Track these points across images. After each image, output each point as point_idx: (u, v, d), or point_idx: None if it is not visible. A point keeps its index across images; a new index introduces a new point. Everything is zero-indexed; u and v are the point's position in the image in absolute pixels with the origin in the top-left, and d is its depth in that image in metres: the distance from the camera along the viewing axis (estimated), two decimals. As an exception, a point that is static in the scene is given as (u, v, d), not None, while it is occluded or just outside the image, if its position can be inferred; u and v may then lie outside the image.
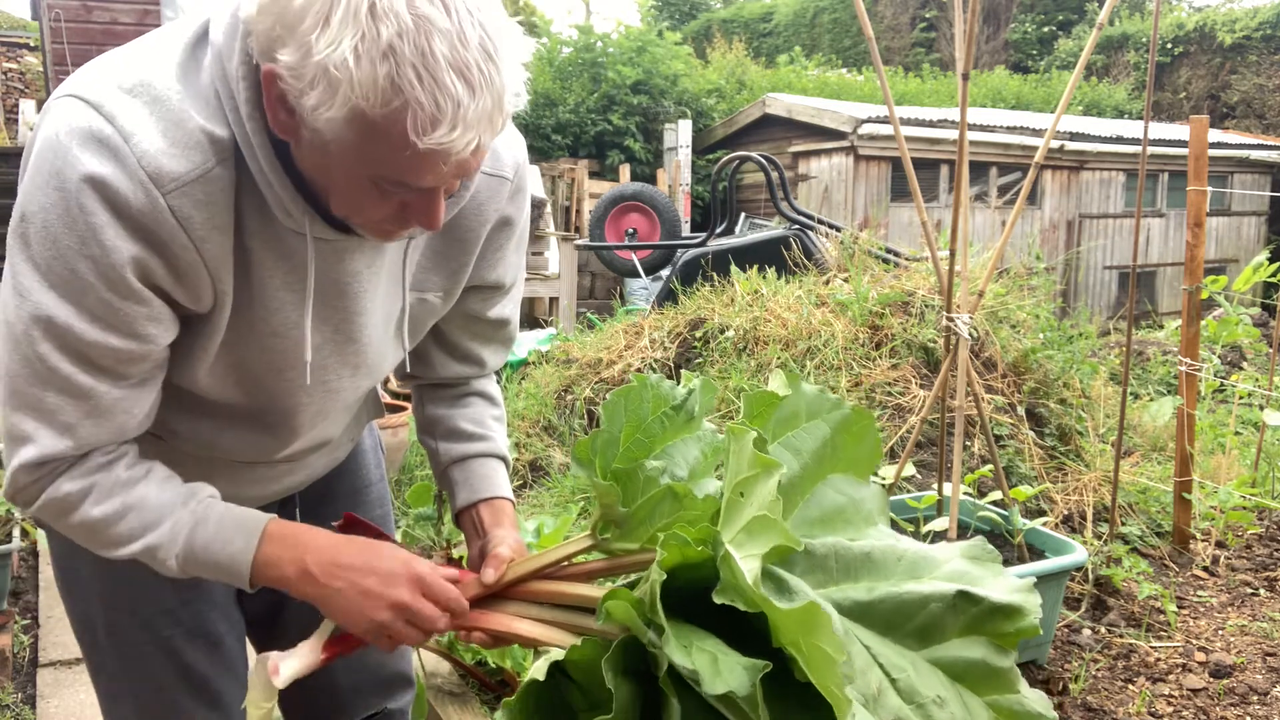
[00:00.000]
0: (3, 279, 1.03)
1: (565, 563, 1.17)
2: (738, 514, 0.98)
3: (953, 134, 10.41)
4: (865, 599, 1.06)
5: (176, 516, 1.10)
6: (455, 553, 1.22)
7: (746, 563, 0.92)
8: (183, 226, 0.99)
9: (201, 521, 1.11)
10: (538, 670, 1.00)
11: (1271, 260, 4.44)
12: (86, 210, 0.95)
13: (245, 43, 0.97)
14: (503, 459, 1.40)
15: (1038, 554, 2.60)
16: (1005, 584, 1.07)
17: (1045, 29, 18.68)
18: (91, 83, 1.00)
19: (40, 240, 0.97)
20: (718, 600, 0.95)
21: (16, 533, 3.29)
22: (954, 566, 1.09)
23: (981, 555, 1.11)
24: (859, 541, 1.11)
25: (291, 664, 1.08)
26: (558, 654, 1.03)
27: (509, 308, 1.36)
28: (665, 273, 7.27)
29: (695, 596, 0.96)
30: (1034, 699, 1.04)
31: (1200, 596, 2.87)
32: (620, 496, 1.12)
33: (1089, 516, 3.16)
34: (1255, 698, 2.34)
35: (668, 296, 5.55)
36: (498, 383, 1.47)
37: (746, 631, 0.96)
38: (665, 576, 0.94)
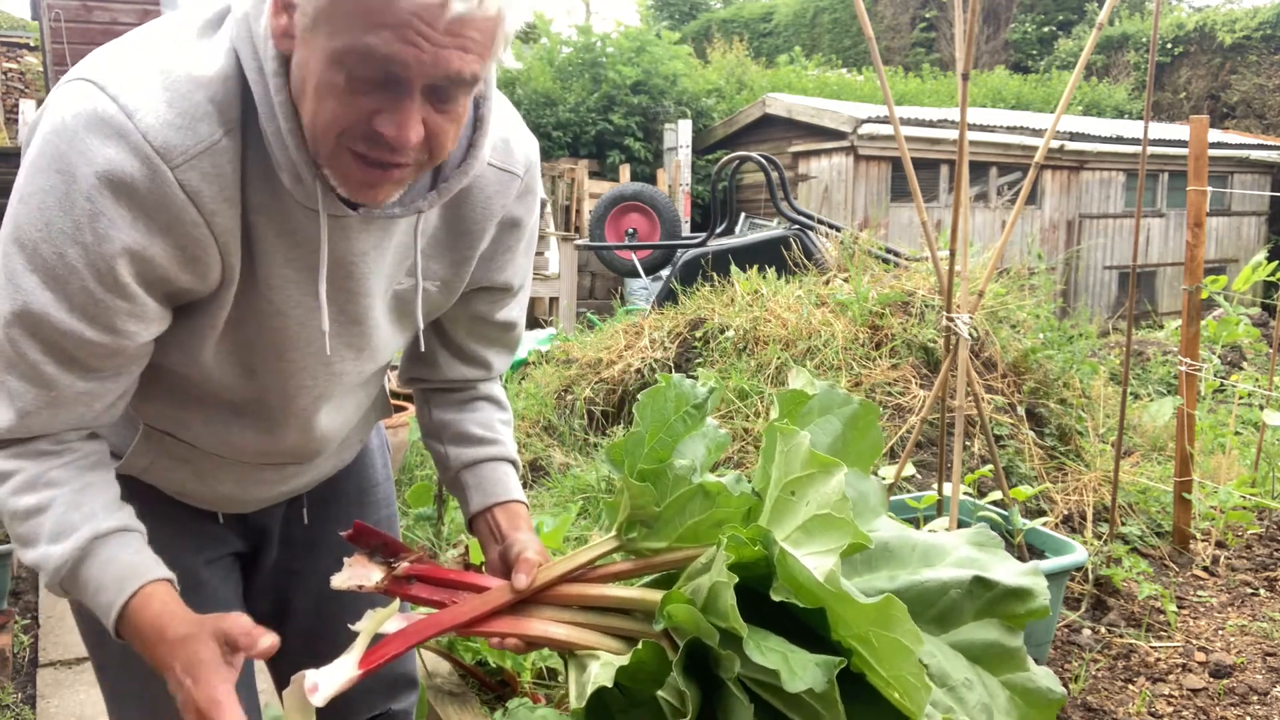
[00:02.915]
0: None
1: (592, 565, 1.17)
2: (790, 513, 1.00)
3: (953, 134, 10.41)
4: (890, 588, 1.09)
5: (69, 543, 1.06)
6: (456, 552, 1.21)
7: (813, 560, 0.93)
8: (192, 201, 0.98)
9: (89, 557, 1.06)
10: (603, 678, 1.00)
11: (1270, 259, 4.45)
12: (89, 197, 0.95)
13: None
14: (513, 463, 1.39)
15: (1038, 554, 2.61)
16: (1013, 568, 1.11)
17: (1045, 29, 18.68)
18: (96, 65, 0.99)
19: (33, 222, 0.96)
20: (776, 597, 0.96)
21: (17, 533, 3.29)
22: (962, 553, 1.13)
23: (986, 541, 1.14)
24: (876, 533, 1.14)
25: (330, 681, 1.05)
26: (612, 659, 1.04)
27: (516, 311, 1.35)
28: (665, 273, 7.27)
29: (734, 591, 0.98)
30: (1042, 675, 1.08)
31: (1200, 596, 2.87)
32: (654, 497, 1.12)
33: (1089, 516, 3.16)
34: (1255, 698, 2.34)
35: (668, 296, 5.55)
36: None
37: (785, 625, 0.98)
38: (736, 579, 0.94)
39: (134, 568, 1.08)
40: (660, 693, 1.00)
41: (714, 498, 1.11)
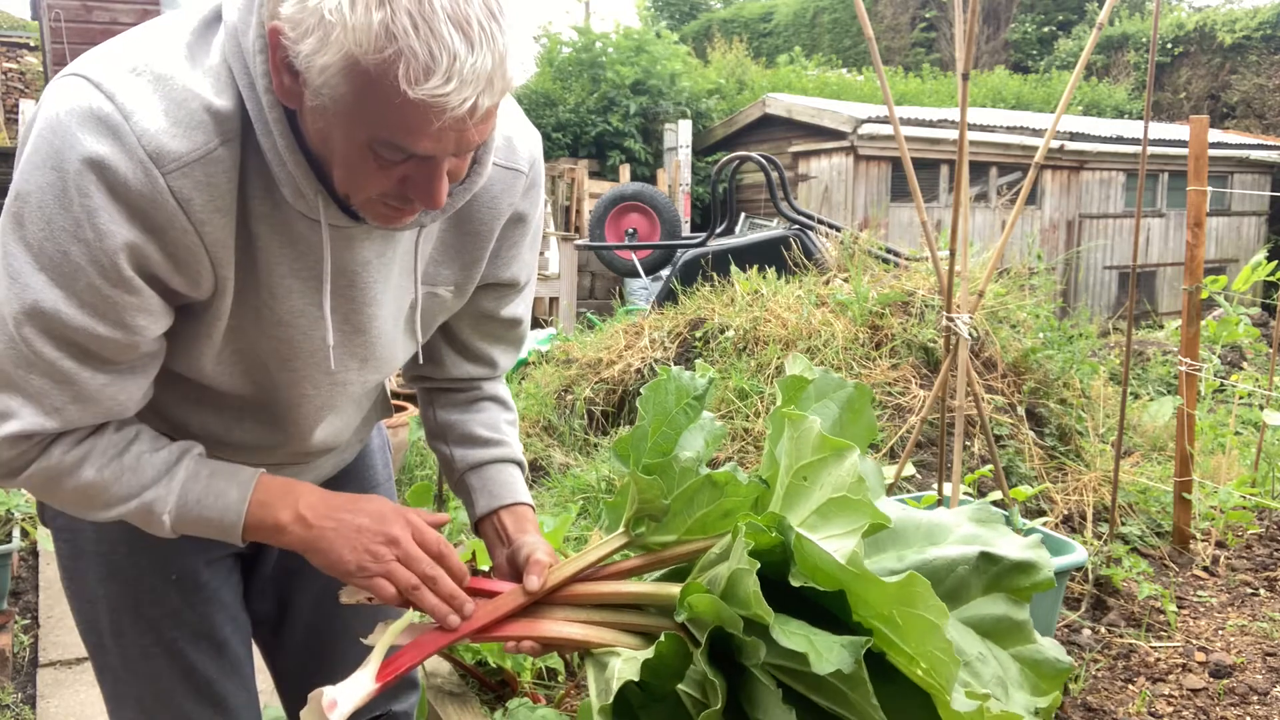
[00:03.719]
0: None
1: (602, 563, 1.17)
2: (803, 498, 1.00)
3: (953, 134, 10.41)
4: (899, 568, 1.09)
5: (171, 472, 1.10)
6: (463, 553, 1.21)
7: (832, 543, 0.93)
8: (183, 208, 0.97)
9: (194, 476, 1.11)
10: (628, 672, 1.01)
11: (1270, 259, 4.45)
12: (84, 192, 0.94)
13: (260, 14, 0.97)
14: (519, 464, 1.39)
15: (1038, 554, 2.60)
16: (1016, 542, 1.12)
17: (1045, 29, 18.69)
18: (95, 62, 0.99)
19: (34, 220, 0.96)
20: (795, 583, 0.97)
21: (16, 533, 3.29)
22: (966, 530, 1.14)
23: (987, 517, 1.15)
24: None
25: (348, 697, 1.05)
26: (631, 654, 1.04)
27: (521, 307, 1.35)
28: (665, 273, 7.27)
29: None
30: (1049, 646, 1.10)
31: (1200, 596, 2.87)
32: (663, 490, 1.13)
33: (1089, 516, 3.16)
34: (1255, 698, 2.34)
35: (668, 296, 5.55)
36: None
37: (802, 608, 0.99)
38: (759, 565, 0.95)
39: (240, 466, 1.15)
40: (681, 686, 1.00)
41: (722, 487, 1.12)
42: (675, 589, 1.07)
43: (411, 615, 1.14)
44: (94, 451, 1.07)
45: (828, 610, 0.98)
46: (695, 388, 1.22)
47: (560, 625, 1.12)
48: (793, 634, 0.93)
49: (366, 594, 1.14)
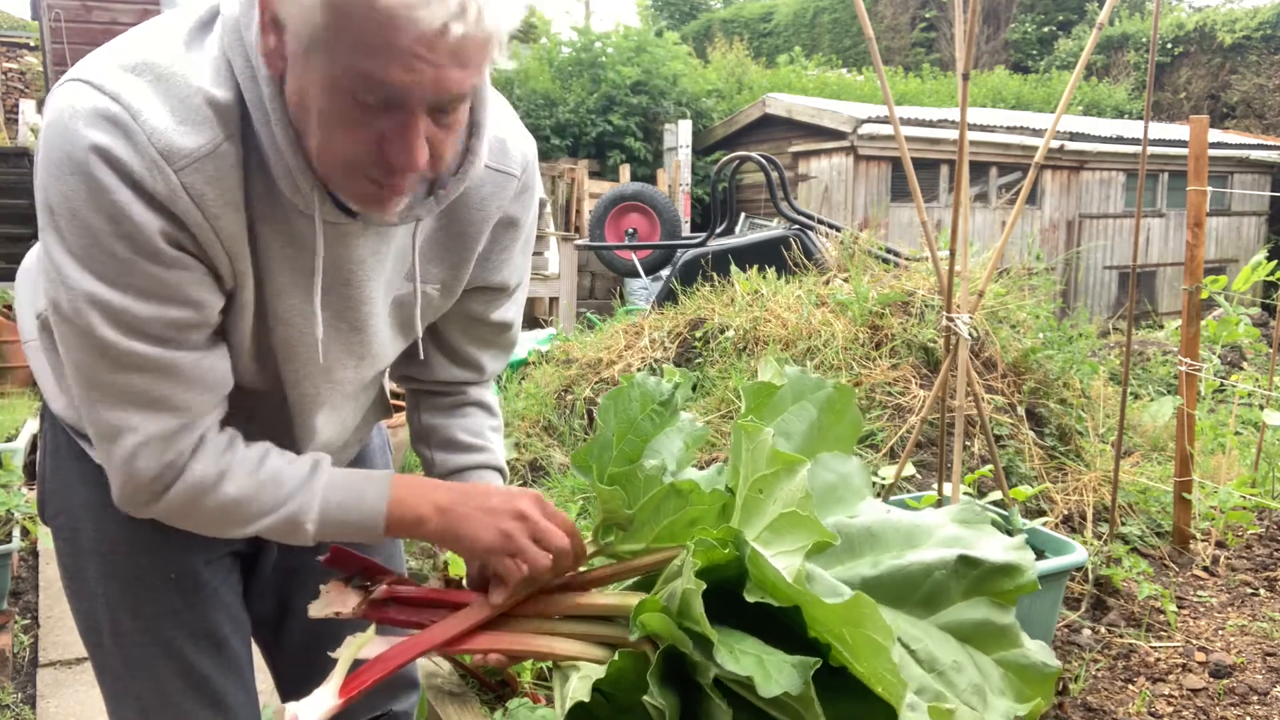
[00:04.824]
0: (46, 277, 1.01)
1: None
2: (759, 512, 0.99)
3: (953, 134, 10.41)
4: (873, 574, 1.08)
5: (309, 484, 1.13)
6: (455, 570, 1.21)
7: (781, 560, 0.93)
8: (197, 204, 0.98)
9: (331, 485, 1.14)
10: (580, 692, 1.01)
11: (1270, 259, 4.44)
12: (108, 189, 0.95)
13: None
14: (500, 471, 1.39)
15: (1038, 554, 2.60)
16: (999, 543, 1.10)
17: (1045, 29, 18.69)
18: (94, 66, 0.99)
19: (71, 229, 0.96)
20: (749, 599, 0.96)
21: (16, 532, 3.29)
22: (947, 532, 1.12)
23: (971, 518, 1.13)
24: (858, 518, 1.13)
25: (310, 713, 1.05)
26: (591, 670, 1.03)
27: (512, 311, 1.35)
28: (665, 273, 7.27)
29: (710, 593, 0.97)
30: (1036, 650, 1.08)
31: (1200, 596, 2.87)
32: (624, 500, 1.12)
33: (1089, 516, 3.16)
34: (1255, 698, 2.34)
35: (668, 296, 5.55)
36: (497, 383, 1.46)
37: (764, 622, 0.97)
38: (705, 586, 0.94)
39: (370, 470, 1.20)
40: (646, 698, 1.00)
41: (687, 496, 1.11)
42: (639, 600, 1.06)
43: (374, 629, 1.13)
44: (233, 467, 1.09)
45: (790, 624, 0.97)
46: (661, 393, 1.21)
47: (526, 638, 1.11)
48: (743, 654, 0.91)
49: (335, 608, 1.15)
